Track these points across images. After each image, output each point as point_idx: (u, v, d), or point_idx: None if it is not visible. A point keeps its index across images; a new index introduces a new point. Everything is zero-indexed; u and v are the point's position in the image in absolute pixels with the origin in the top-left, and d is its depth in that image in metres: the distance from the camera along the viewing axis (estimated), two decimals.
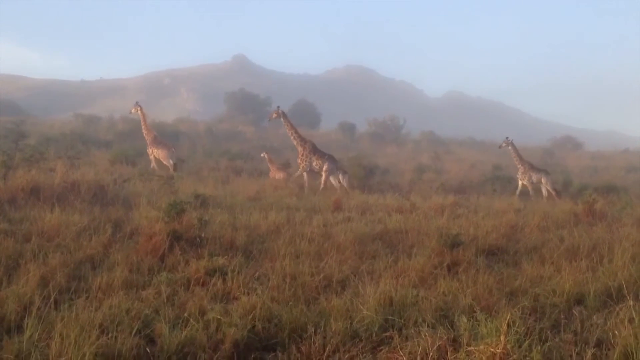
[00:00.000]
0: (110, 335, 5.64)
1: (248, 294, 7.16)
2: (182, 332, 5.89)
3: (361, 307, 6.79)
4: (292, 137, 21.43)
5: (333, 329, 6.19)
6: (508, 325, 5.69)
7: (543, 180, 22.20)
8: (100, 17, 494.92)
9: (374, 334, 6.24)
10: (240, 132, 48.55)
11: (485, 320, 6.06)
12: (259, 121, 63.37)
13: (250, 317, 6.35)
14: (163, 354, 5.64)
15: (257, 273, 8.30)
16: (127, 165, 21.64)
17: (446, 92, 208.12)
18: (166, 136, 36.56)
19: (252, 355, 5.92)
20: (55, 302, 6.47)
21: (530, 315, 6.97)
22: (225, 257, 8.72)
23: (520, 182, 22.52)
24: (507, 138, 23.66)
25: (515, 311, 6.51)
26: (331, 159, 20.81)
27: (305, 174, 20.62)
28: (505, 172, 27.67)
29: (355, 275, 8.44)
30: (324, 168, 20.45)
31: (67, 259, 8.29)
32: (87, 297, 6.81)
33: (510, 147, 23.08)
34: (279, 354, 5.89)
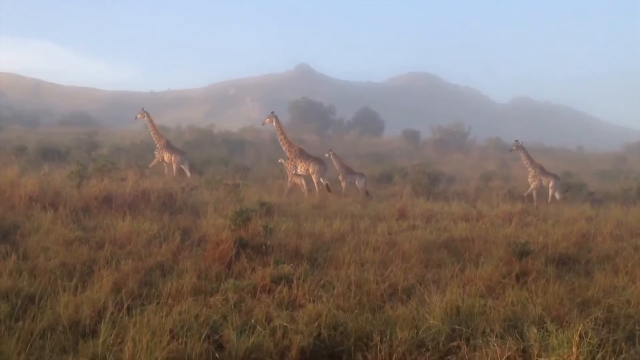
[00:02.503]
0: (180, 340, 5.77)
1: (313, 301, 7.19)
2: (249, 339, 5.97)
3: (427, 316, 6.72)
4: (281, 142, 21.51)
5: (399, 337, 6.14)
6: (580, 336, 5.54)
7: (551, 184, 21.92)
8: (167, 30, 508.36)
9: (440, 344, 6.16)
10: (304, 141, 48.84)
11: (556, 331, 5.91)
12: (322, 129, 63.78)
13: (316, 324, 6.38)
14: (231, 359, 5.73)
15: (322, 281, 8.32)
16: (194, 174, 22.09)
17: (513, 97, 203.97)
18: (232, 145, 37.31)
19: None
20: (128, 307, 6.66)
21: (603, 326, 6.75)
22: (291, 264, 8.77)
23: (531, 185, 22.20)
24: (516, 141, 23.55)
25: (587, 322, 6.31)
26: (317, 161, 20.61)
27: (298, 178, 20.54)
28: (576, 179, 26.86)
29: (420, 284, 8.36)
30: (310, 170, 20.33)
31: (139, 266, 8.52)
32: (158, 303, 6.98)
33: (520, 151, 22.91)
34: None
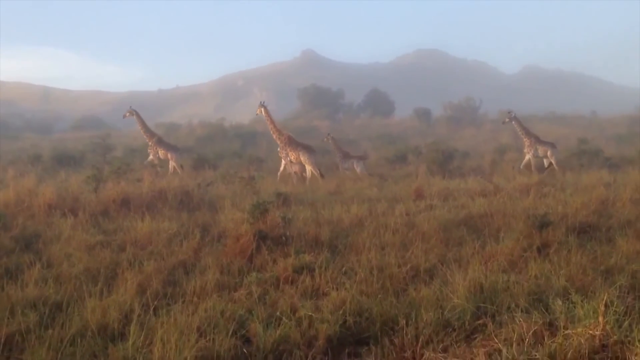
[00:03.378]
0: (208, 337, 5.81)
1: (337, 289, 7.22)
2: (275, 331, 6.02)
3: (451, 295, 6.73)
4: (271, 131, 21.47)
5: (424, 319, 6.15)
6: (606, 305, 5.52)
7: (549, 153, 21.98)
8: (172, 28, 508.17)
9: (466, 323, 6.16)
10: (316, 127, 48.84)
11: (582, 301, 5.91)
12: (333, 114, 63.69)
13: (341, 312, 6.40)
14: (260, 353, 5.78)
15: (344, 267, 8.34)
16: (208, 169, 22.17)
17: (522, 67, 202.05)
18: (243, 137, 37.37)
19: (346, 350, 5.99)
20: (154, 308, 6.73)
21: (628, 293, 6.74)
22: (311, 253, 8.81)
23: (526, 156, 22.25)
24: (509, 112, 23.74)
25: (612, 290, 6.32)
26: (306, 148, 20.61)
27: (290, 166, 20.77)
28: (591, 146, 26.64)
29: (442, 264, 8.36)
30: (301, 159, 20.37)
31: (161, 266, 8.59)
32: (183, 302, 7.03)
33: (514, 122, 22.99)
34: (373, 348, 5.92)
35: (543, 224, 9.80)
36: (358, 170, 21.30)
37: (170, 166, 22.18)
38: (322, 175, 19.87)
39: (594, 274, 7.53)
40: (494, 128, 48.09)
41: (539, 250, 8.88)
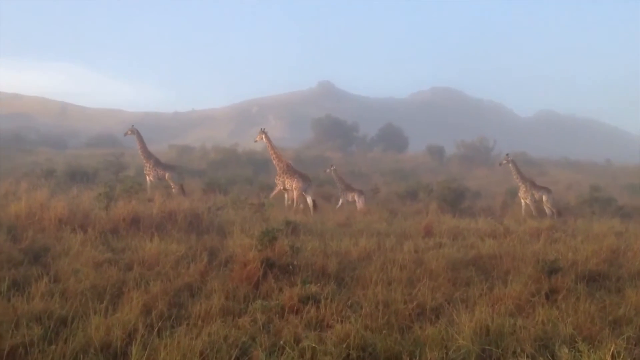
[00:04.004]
0: None
1: (342, 321, 7.18)
2: None
3: (456, 336, 6.68)
4: (272, 157, 21.86)
5: (429, 358, 6.12)
6: (612, 356, 5.49)
7: (544, 198, 21.94)
8: (191, 52, 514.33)
9: None
10: (328, 158, 48.96)
11: (588, 350, 5.86)
12: (346, 146, 63.89)
13: (345, 345, 6.37)
14: None
15: (350, 300, 8.30)
16: (219, 194, 22.22)
17: (537, 111, 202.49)
18: (256, 164, 37.50)
19: None
20: (158, 329, 6.71)
21: (635, 345, 6.68)
22: (318, 284, 8.77)
23: (523, 202, 22.18)
24: (507, 155, 23.82)
25: (619, 341, 6.25)
26: (303, 177, 20.85)
27: (288, 193, 20.96)
28: (604, 193, 26.53)
29: (449, 303, 8.31)
30: (294, 186, 20.61)
31: (167, 287, 8.58)
32: (188, 325, 7.02)
33: (510, 165, 22.95)
34: None
35: (552, 270, 9.73)
36: (359, 203, 21.31)
37: (173, 187, 22.13)
38: (315, 206, 19.98)
39: (601, 323, 7.46)
40: (506, 169, 48.00)
41: (547, 295, 8.81)
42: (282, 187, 20.92)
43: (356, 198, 21.59)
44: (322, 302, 7.88)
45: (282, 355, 6.12)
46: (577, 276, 9.81)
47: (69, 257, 9.94)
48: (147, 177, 22.80)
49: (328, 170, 23.42)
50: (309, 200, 20.31)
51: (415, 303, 8.16)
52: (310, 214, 19.10)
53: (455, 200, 22.73)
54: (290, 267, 9.71)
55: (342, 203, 21.87)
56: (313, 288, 8.44)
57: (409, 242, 12.95)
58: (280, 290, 8.63)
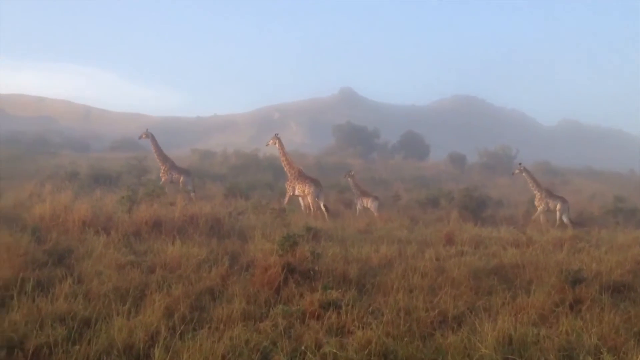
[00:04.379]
0: None
1: (363, 328, 7.16)
2: None
3: (479, 345, 6.63)
4: (283, 163, 21.97)
5: None
6: None
7: (558, 207, 21.58)
8: (214, 57, 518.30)
9: None
10: (349, 165, 48.91)
11: None
12: (367, 153, 63.77)
13: (366, 351, 6.36)
14: None
15: (371, 307, 8.27)
16: (240, 198, 22.28)
17: (560, 119, 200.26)
18: (276, 169, 37.53)
19: None
20: (180, 332, 6.74)
21: None
22: (339, 290, 8.74)
23: (538, 209, 21.95)
24: (519, 164, 23.61)
25: None
26: (314, 183, 20.91)
27: (303, 199, 21.02)
28: (628, 204, 26.17)
29: (471, 312, 8.25)
30: (306, 191, 20.68)
31: (189, 290, 8.63)
32: (209, 328, 7.05)
33: (524, 174, 22.78)
34: None
35: (576, 280, 9.63)
36: (372, 209, 21.24)
37: (187, 190, 22.20)
38: (327, 211, 20.07)
39: (626, 334, 7.37)
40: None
41: (571, 306, 8.71)
42: (292, 193, 21.02)
43: (370, 203, 21.49)
44: (343, 308, 7.88)
45: None
46: (601, 287, 9.68)
47: (92, 259, 10.04)
48: (162, 179, 23.00)
49: (346, 175, 23.34)
50: (321, 205, 20.32)
51: (437, 311, 8.13)
52: (326, 219, 19.09)
53: (477, 208, 22.56)
54: (311, 272, 9.71)
55: (358, 209, 21.79)
56: (334, 294, 8.42)
57: (430, 250, 12.87)
58: (301, 295, 8.63)
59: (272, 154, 50.48)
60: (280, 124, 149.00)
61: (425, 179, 42.28)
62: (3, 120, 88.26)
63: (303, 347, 6.47)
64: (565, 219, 21.20)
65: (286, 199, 21.14)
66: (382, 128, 76.87)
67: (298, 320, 7.65)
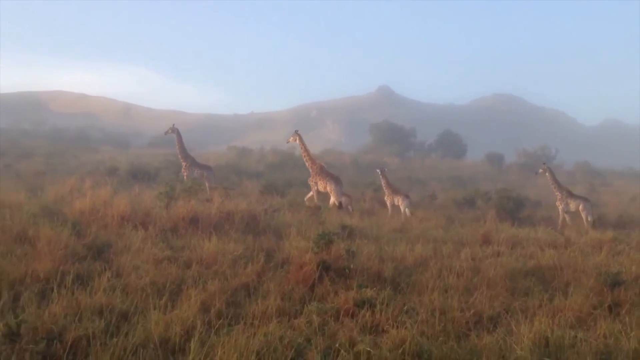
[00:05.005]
0: None
1: (397, 327, 7.14)
2: None
3: (515, 346, 6.56)
4: (305, 159, 22.06)
5: None
6: None
7: (581, 207, 21.14)
8: (253, 55, 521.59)
9: None
10: (385, 163, 48.73)
11: None
12: (404, 152, 63.50)
13: (400, 351, 6.33)
14: None
15: (406, 306, 8.23)
16: (276, 196, 22.38)
17: (602, 120, 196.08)
18: None
19: None
20: (216, 327, 6.82)
21: None
22: (373, 288, 8.72)
23: (559, 210, 21.59)
24: (544, 164, 23.42)
25: None
26: (335, 180, 20.99)
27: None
28: None
29: (507, 313, 8.18)
30: (329, 188, 20.75)
31: (225, 286, 8.71)
32: (244, 324, 7.11)
33: (547, 174, 22.47)
34: None
35: (615, 283, 9.46)
36: (403, 207, 20.95)
37: (207, 186, 22.36)
38: (341, 207, 20.17)
39: None
40: (568, 179, 46.79)
41: (609, 309, 8.56)
42: (316, 188, 21.05)
43: (400, 201, 21.23)
44: (378, 306, 7.86)
45: (337, 357, 6.15)
46: None
47: (130, 254, 10.20)
48: (184, 175, 23.44)
49: (378, 170, 23.06)
50: (337, 200, 20.32)
51: (472, 311, 8.07)
52: (350, 213, 19.15)
53: (514, 208, 22.25)
54: (346, 270, 9.70)
55: (389, 207, 21.57)
56: (369, 292, 8.40)
57: (466, 250, 12.76)
58: (336, 293, 8.64)
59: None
60: (317, 122, 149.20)
61: (462, 178, 41.87)
62: (46, 117, 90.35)
63: (337, 345, 6.48)
64: (590, 219, 20.81)
65: (313, 195, 21.10)
66: (419, 127, 76.47)
67: (332, 318, 7.66)
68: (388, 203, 21.70)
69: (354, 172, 41.12)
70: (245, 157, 47.14)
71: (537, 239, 15.29)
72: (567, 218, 21.27)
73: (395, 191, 21.97)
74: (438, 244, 13.45)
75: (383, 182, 22.21)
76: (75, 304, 7.32)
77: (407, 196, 21.56)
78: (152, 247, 10.77)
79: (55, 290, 7.75)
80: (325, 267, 9.51)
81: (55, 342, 6.19)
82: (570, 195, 21.66)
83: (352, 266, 9.88)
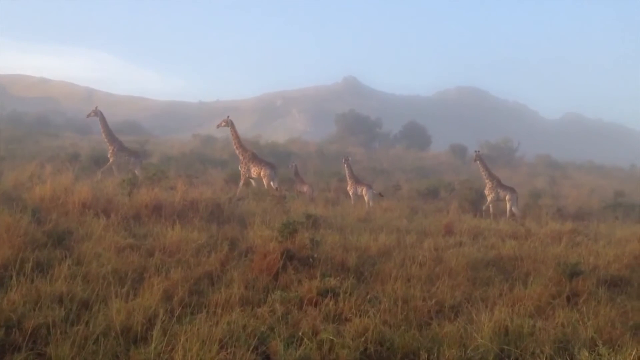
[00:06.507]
0: (229, 350, 5.85)
1: (360, 316, 7.18)
2: (296, 351, 6.02)
3: (475, 335, 6.67)
4: (235, 146, 22.02)
5: (446, 356, 6.12)
6: None
7: (507, 197, 21.59)
8: (216, 42, 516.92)
9: None
10: (350, 153, 48.88)
11: (608, 354, 5.80)
12: (369, 142, 63.75)
13: (363, 339, 6.38)
14: None
15: (369, 295, 8.29)
16: (243, 186, 22.25)
17: (564, 114, 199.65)
18: (278, 156, 37.56)
19: None
20: (178, 315, 6.78)
21: None
22: (337, 278, 8.75)
23: (488, 199, 21.94)
24: (476, 151, 24.00)
25: None
26: (269, 165, 21.13)
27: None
28: (628, 199, 26.20)
29: (468, 302, 8.30)
30: (262, 174, 20.77)
31: (188, 275, 8.65)
32: (207, 312, 7.08)
33: (478, 161, 22.88)
34: None
35: (574, 273, 9.67)
36: (367, 198, 21.10)
37: (135, 174, 21.83)
38: (277, 190, 20.13)
39: (622, 328, 7.40)
40: (530, 171, 47.61)
41: (567, 298, 8.76)
42: (247, 175, 21.02)
43: (364, 192, 21.38)
44: (341, 295, 7.90)
45: (300, 346, 6.15)
46: (598, 280, 9.75)
47: (91, 241, 10.04)
48: (110, 160, 22.64)
49: (343, 161, 23.14)
50: (274, 187, 20.37)
51: (434, 300, 8.17)
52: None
53: (476, 200, 22.60)
54: (310, 259, 9.73)
55: (352, 197, 21.68)
56: (332, 281, 8.44)
57: (429, 240, 12.91)
58: (300, 282, 8.65)
59: (274, 141, 50.62)
60: (282, 111, 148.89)
61: (426, 169, 42.30)
62: (5, 101, 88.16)
63: (300, 334, 6.50)
64: (514, 209, 21.22)
65: (241, 182, 20.97)
66: (384, 118, 76.87)
67: (296, 307, 7.67)
68: (351, 193, 21.80)
69: (319, 162, 41.17)
70: (210, 146, 46.76)
71: (499, 229, 15.57)
72: (491, 207, 21.60)
73: (358, 181, 22.10)
74: (401, 234, 13.55)
75: (347, 173, 22.29)
76: (34, 292, 7.18)
77: (370, 186, 21.71)
78: (114, 234, 10.59)
79: (14, 278, 7.58)
80: (289, 256, 9.51)
81: (14, 330, 6.09)
82: (500, 184, 21.98)
83: (316, 255, 9.90)
